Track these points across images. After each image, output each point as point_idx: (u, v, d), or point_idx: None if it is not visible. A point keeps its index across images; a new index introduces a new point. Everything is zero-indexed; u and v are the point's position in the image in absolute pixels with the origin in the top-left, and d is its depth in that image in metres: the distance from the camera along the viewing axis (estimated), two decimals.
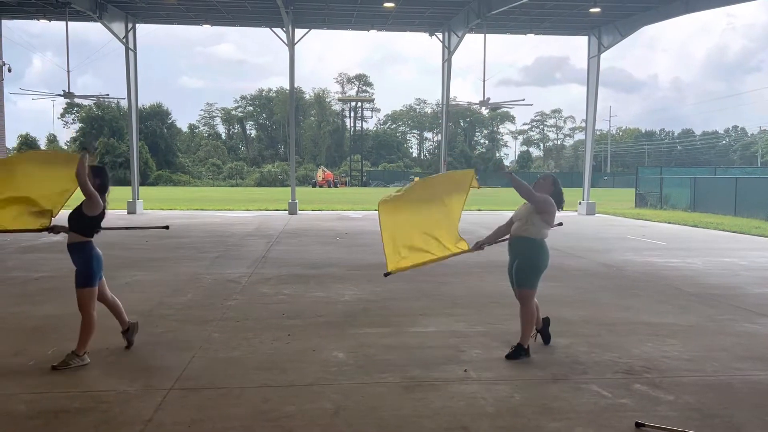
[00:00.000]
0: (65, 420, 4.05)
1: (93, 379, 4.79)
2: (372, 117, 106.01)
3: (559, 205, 5.52)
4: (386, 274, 5.60)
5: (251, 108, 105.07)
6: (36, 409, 4.22)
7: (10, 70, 24.82)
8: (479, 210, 28.03)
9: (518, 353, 5.41)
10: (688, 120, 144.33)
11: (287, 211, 24.94)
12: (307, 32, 24.97)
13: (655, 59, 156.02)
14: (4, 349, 5.61)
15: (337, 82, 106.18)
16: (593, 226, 19.78)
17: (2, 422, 4.02)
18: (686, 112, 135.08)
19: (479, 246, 5.73)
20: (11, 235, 15.55)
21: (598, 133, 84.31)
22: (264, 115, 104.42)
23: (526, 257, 5.44)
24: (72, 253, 5.23)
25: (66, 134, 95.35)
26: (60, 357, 5.16)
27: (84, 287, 5.17)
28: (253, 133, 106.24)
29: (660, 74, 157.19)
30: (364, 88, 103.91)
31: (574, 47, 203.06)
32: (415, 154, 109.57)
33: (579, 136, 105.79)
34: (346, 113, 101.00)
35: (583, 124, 33.39)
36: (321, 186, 68.40)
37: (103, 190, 5.26)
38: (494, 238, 5.77)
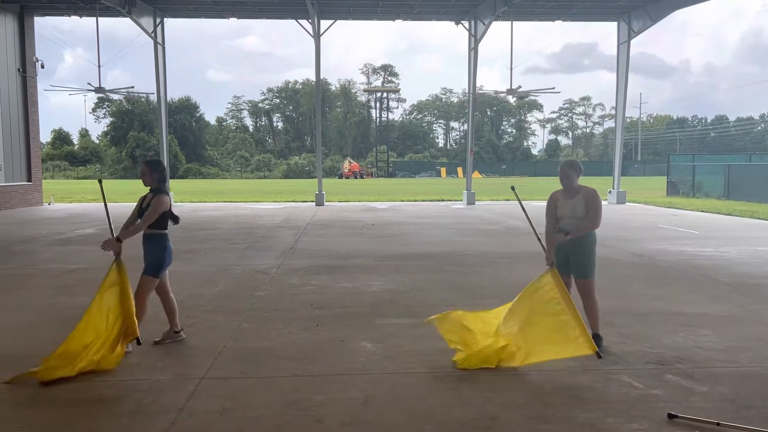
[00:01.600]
0: (103, 408, 4.15)
1: (128, 368, 4.89)
2: (398, 107, 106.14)
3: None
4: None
5: (278, 100, 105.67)
6: (75, 398, 4.33)
7: (42, 66, 25.36)
8: (507, 200, 27.83)
9: (599, 342, 5.24)
10: (722, 106, 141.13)
11: (314, 203, 25.07)
12: (333, 23, 24.95)
13: (688, 44, 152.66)
14: (44, 339, 5.76)
15: (363, 72, 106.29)
16: (624, 216, 19.49)
17: (45, 409, 4.14)
18: (720, 97, 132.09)
19: (553, 264, 5.27)
20: (46, 228, 15.97)
21: (628, 120, 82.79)
22: (290, 107, 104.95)
23: (587, 250, 5.41)
24: (145, 243, 5.36)
25: (98, 128, 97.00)
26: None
27: (150, 275, 5.35)
28: (280, 125, 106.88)
29: (692, 59, 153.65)
30: (389, 78, 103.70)
31: (603, 33, 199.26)
32: (441, 144, 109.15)
33: (608, 123, 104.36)
34: (372, 104, 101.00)
35: (613, 112, 32.86)
36: (347, 177, 68.51)
37: (163, 182, 5.47)
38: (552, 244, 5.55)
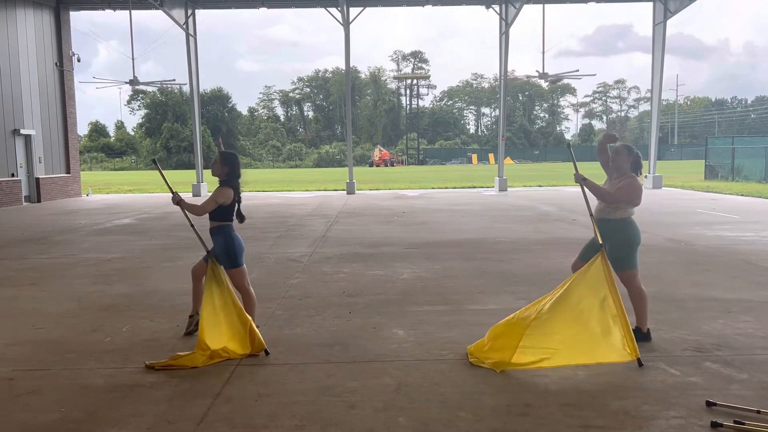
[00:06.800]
0: (140, 393, 4.25)
1: (163, 356, 4.99)
2: (428, 94, 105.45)
3: (638, 171, 5.19)
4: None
5: (308, 89, 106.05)
6: (113, 384, 4.44)
7: (79, 60, 25.89)
8: (539, 186, 27.53)
9: (646, 337, 5.07)
10: (763, 86, 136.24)
11: (345, 191, 25.17)
12: (362, 11, 24.86)
13: (726, 23, 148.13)
14: (83, 327, 5.92)
15: (393, 60, 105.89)
16: (660, 200, 19.09)
17: (83, 395, 4.25)
18: (760, 78, 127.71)
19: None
20: (85, 218, 16.35)
21: (664, 103, 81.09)
22: (321, 96, 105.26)
23: (618, 239, 5.04)
24: (212, 237, 5.39)
25: (133, 120, 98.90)
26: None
27: (232, 268, 5.33)
28: (311, 114, 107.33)
29: (731, 39, 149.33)
30: (419, 65, 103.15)
31: (638, 14, 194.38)
32: (472, 131, 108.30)
33: (644, 107, 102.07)
34: (402, 91, 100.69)
35: (648, 95, 32.11)
36: (378, 165, 68.57)
37: (233, 176, 5.42)
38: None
